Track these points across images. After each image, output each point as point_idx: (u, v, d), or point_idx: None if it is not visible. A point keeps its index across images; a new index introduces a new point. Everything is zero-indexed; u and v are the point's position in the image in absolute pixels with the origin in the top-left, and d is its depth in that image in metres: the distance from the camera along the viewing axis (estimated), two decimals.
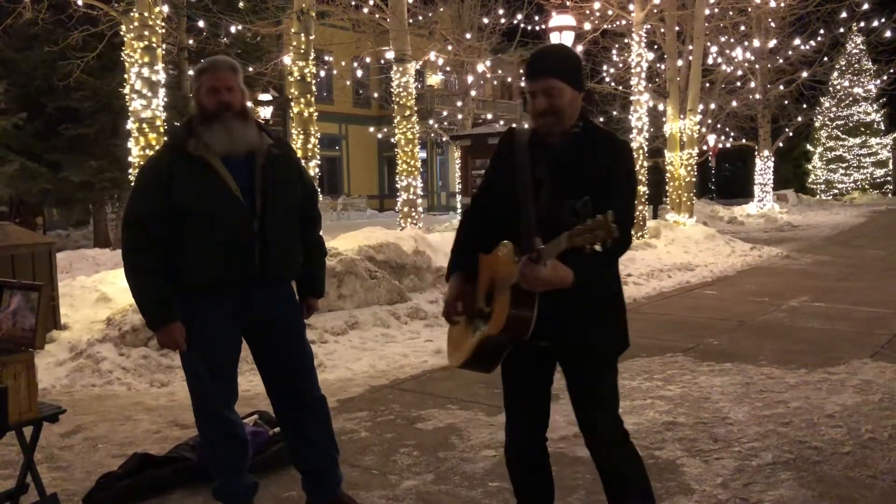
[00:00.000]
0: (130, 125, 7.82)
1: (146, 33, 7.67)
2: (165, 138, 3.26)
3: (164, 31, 8.26)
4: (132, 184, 3.07)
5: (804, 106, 27.50)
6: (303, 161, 9.75)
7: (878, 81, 31.61)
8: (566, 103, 2.46)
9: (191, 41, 16.24)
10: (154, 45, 7.75)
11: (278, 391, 3.24)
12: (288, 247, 3.11)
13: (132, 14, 7.68)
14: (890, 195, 34.05)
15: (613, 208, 2.16)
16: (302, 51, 10.05)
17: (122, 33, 7.96)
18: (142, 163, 7.63)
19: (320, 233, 3.42)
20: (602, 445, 2.59)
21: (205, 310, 3.00)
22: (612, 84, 22.31)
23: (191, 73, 17.83)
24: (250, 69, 15.77)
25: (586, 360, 2.55)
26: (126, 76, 7.82)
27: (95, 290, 7.71)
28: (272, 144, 3.08)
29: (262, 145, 3.05)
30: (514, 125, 2.74)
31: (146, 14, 7.66)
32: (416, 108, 13.54)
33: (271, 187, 3.02)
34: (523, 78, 2.56)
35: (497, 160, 2.68)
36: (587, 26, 16.80)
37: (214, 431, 3.13)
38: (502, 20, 21.78)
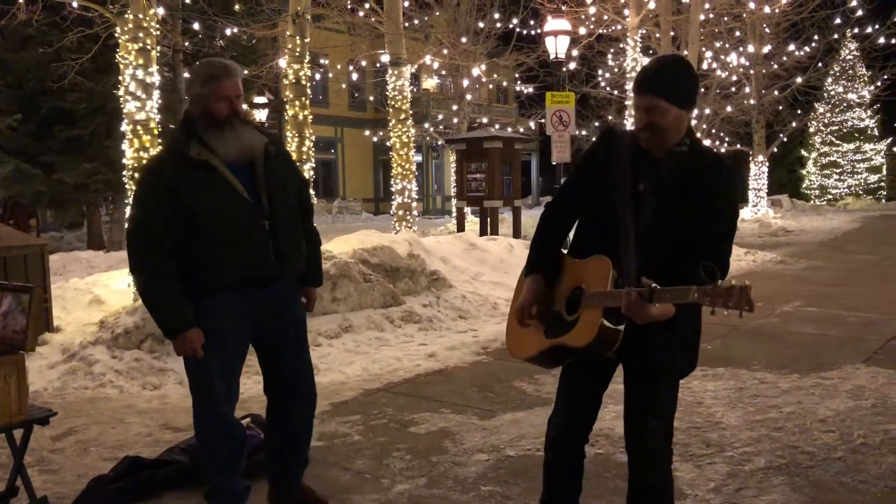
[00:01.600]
0: (124, 127, 7.80)
1: (141, 35, 7.66)
2: (165, 143, 3.24)
3: (158, 33, 8.25)
4: (133, 192, 3.07)
5: (798, 111, 27.57)
6: (298, 164, 9.76)
7: (872, 87, 31.73)
8: (669, 122, 2.40)
9: (186, 43, 16.24)
10: (149, 47, 7.73)
11: (273, 380, 3.28)
12: (297, 241, 3.18)
13: (127, 16, 7.67)
14: (884, 201, 34.17)
15: (717, 236, 2.34)
16: (297, 54, 10.05)
17: (116, 35, 7.95)
18: (136, 165, 7.65)
19: (314, 223, 3.45)
20: (647, 457, 2.55)
21: (219, 312, 3.00)
22: (608, 89, 22.35)
23: (186, 75, 17.82)
24: (245, 72, 15.76)
25: (657, 373, 2.54)
26: (120, 78, 7.80)
27: (88, 292, 7.69)
28: (268, 143, 3.11)
29: (258, 145, 3.08)
30: (614, 126, 2.68)
31: (141, 16, 7.65)
32: (411, 112, 13.56)
33: (275, 185, 3.06)
34: (633, 89, 2.48)
35: (592, 161, 2.62)
36: (582, 31, 16.86)
37: (216, 432, 3.13)
38: (498, 24, 21.82)
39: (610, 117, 25.62)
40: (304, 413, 3.36)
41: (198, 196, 2.92)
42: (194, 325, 2.94)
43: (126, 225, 3.21)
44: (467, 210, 15.86)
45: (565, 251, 2.69)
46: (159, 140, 7.89)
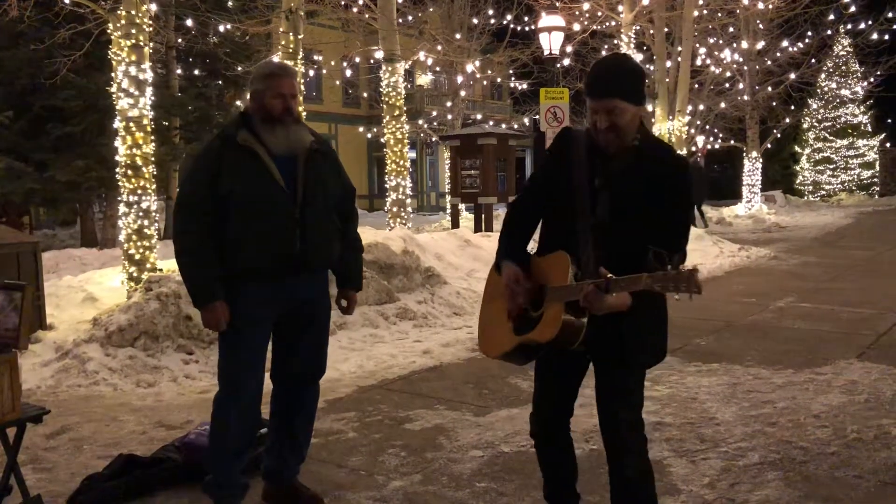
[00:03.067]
0: (117, 124, 7.77)
1: (133, 31, 7.62)
2: (218, 131, 3.40)
3: (151, 29, 8.21)
4: (185, 170, 3.24)
5: (792, 107, 27.62)
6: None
7: (865, 83, 31.80)
8: (628, 121, 2.49)
9: (179, 40, 16.17)
10: (141, 43, 7.70)
11: (287, 373, 3.35)
12: (327, 236, 3.27)
13: (119, 12, 7.63)
14: (877, 196, 34.25)
15: (671, 226, 2.40)
16: (290, 50, 10.02)
17: (109, 31, 7.91)
18: (128, 162, 7.63)
19: (357, 229, 3.58)
20: (621, 447, 2.63)
21: (247, 297, 3.13)
22: None
23: (179, 72, 17.76)
24: (239, 68, 15.71)
25: (622, 367, 2.61)
26: (113, 75, 7.76)
27: (82, 290, 7.67)
28: (314, 141, 3.26)
29: (304, 143, 3.23)
30: (569, 126, 2.77)
31: (133, 12, 7.61)
32: (405, 108, 13.53)
33: (312, 180, 3.19)
34: (586, 94, 2.54)
35: (552, 160, 2.73)
36: (576, 27, 16.84)
37: (236, 421, 3.19)
38: (492, 20, 21.80)
39: None
40: (307, 412, 3.43)
41: (236, 177, 3.09)
42: (221, 298, 3.08)
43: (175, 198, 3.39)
44: (462, 207, 15.85)
45: (533, 250, 2.76)
46: (152, 138, 7.85)
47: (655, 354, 2.67)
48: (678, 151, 2.75)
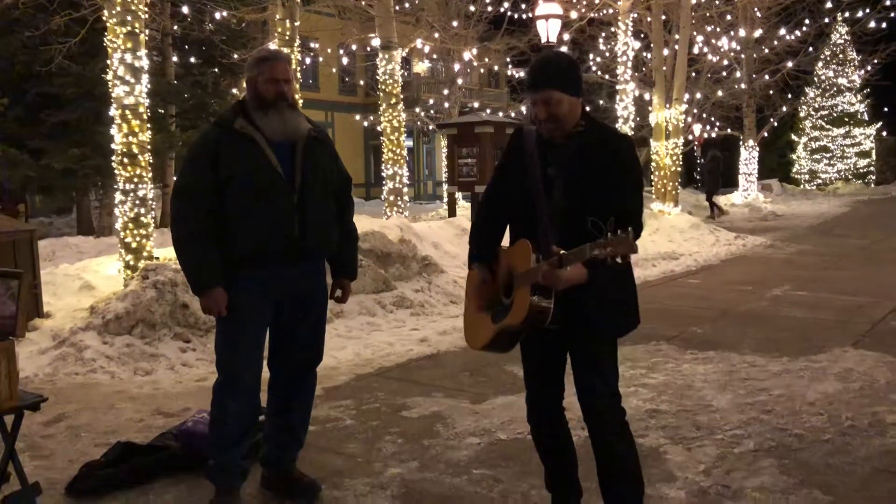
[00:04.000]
0: (113, 112, 7.73)
1: (129, 18, 7.58)
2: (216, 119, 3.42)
3: (147, 16, 8.16)
4: (183, 157, 3.34)
5: (789, 96, 27.60)
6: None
7: (862, 72, 31.78)
8: (565, 111, 2.65)
9: (175, 27, 16.10)
10: (137, 30, 7.65)
11: (284, 359, 3.37)
12: (325, 222, 3.28)
13: None
14: (873, 185, 34.29)
15: (621, 202, 2.54)
16: (287, 37, 9.99)
17: (104, 18, 7.86)
18: (125, 150, 7.60)
19: (353, 219, 3.58)
20: (600, 421, 2.75)
21: (245, 283, 3.14)
22: (599, 73, 22.33)
23: (175, 59, 17.68)
24: (235, 56, 15.64)
25: (590, 341, 2.73)
26: (109, 62, 7.72)
27: (79, 278, 7.66)
28: (311, 129, 3.27)
29: (302, 130, 3.24)
30: (522, 126, 2.92)
31: None
32: (402, 96, 13.50)
33: (310, 167, 3.20)
34: (526, 90, 2.74)
35: (507, 158, 2.91)
36: (574, 15, 16.79)
37: (235, 407, 3.21)
38: (489, 8, 21.70)
39: (601, 101, 25.60)
40: (305, 399, 3.45)
41: (235, 164, 3.10)
42: (220, 284, 3.10)
43: (172, 186, 3.38)
44: (458, 195, 15.83)
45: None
46: (148, 126, 7.82)
47: (624, 325, 2.79)
48: (621, 131, 2.92)
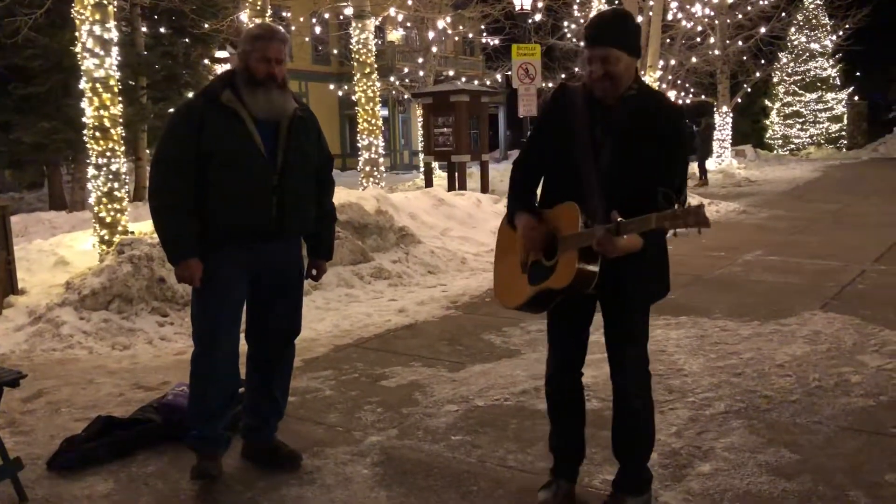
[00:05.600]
0: (84, 85, 7.62)
1: None
2: (202, 88, 3.40)
3: None
4: (165, 126, 3.27)
5: (762, 62, 27.73)
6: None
7: (835, 37, 31.96)
8: (622, 70, 2.59)
9: None
10: (105, 1, 7.53)
11: (261, 333, 3.39)
12: (303, 203, 3.28)
13: None
14: (844, 150, 34.67)
15: (672, 172, 2.52)
16: (258, 7, 9.87)
17: None
18: (96, 123, 7.51)
19: (332, 199, 3.57)
20: (627, 378, 2.81)
21: (224, 260, 3.16)
22: (574, 40, 22.25)
23: (144, 30, 17.35)
24: (206, 25, 15.41)
25: (628, 305, 2.76)
26: (77, 34, 7.60)
27: (53, 253, 7.60)
28: (297, 108, 3.26)
29: (288, 109, 3.22)
30: (565, 83, 2.85)
31: None
32: (376, 66, 13.40)
33: (293, 147, 3.20)
34: (584, 43, 2.66)
35: (549, 116, 2.83)
36: None
37: (211, 378, 3.25)
38: None
39: (577, 69, 25.53)
40: (284, 370, 3.49)
41: (218, 138, 3.08)
42: (196, 255, 3.11)
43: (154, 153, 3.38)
44: (435, 165, 15.82)
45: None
46: (119, 98, 7.73)
47: (657, 292, 2.84)
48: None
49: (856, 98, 36.64)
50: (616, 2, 18.82)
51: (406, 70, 26.49)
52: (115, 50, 7.65)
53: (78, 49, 7.58)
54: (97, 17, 7.46)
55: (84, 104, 7.65)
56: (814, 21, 34.55)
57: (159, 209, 3.15)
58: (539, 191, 2.89)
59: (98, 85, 7.51)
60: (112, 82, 7.59)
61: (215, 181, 3.10)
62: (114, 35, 7.66)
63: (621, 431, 2.89)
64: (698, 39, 24.74)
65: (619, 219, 2.41)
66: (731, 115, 26.88)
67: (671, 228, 2.32)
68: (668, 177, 2.56)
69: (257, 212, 3.13)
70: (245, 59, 3.18)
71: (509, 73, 17.24)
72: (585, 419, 3.05)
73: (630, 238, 2.47)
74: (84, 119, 7.67)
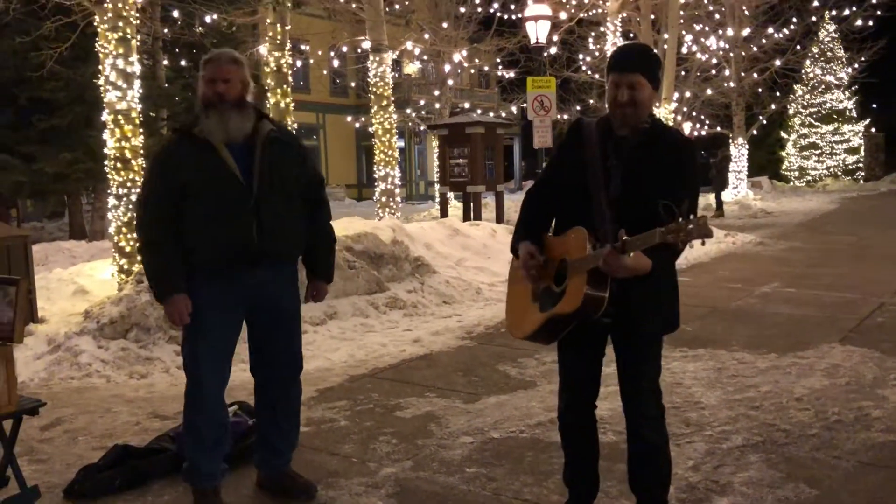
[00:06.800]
0: (105, 117, 7.75)
1: (120, 24, 7.60)
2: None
3: (138, 21, 8.19)
4: (146, 165, 3.31)
5: (778, 94, 27.76)
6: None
7: (850, 69, 31.98)
8: (646, 98, 2.68)
9: (165, 30, 16.09)
10: (129, 36, 7.68)
11: (263, 367, 3.38)
12: (286, 225, 3.24)
13: (106, 5, 7.61)
14: (861, 182, 34.48)
15: (683, 194, 2.52)
16: (278, 41, 10.03)
17: (95, 24, 7.88)
18: (117, 154, 7.63)
19: (330, 220, 3.55)
20: (641, 415, 2.81)
21: (211, 290, 3.14)
22: (589, 72, 22.40)
23: (165, 63, 17.64)
24: None
25: (641, 336, 2.76)
26: (100, 67, 7.75)
27: (72, 282, 7.69)
28: (272, 130, 3.25)
29: (261, 131, 3.22)
30: (581, 117, 2.92)
31: (120, 5, 7.59)
32: (393, 98, 13.54)
33: (268, 169, 3.18)
34: (607, 70, 2.74)
35: (565, 149, 2.89)
36: (563, 15, 16.87)
37: (201, 412, 3.24)
38: (479, 9, 21.77)
39: (591, 101, 25.67)
40: (292, 399, 3.46)
41: (192, 170, 3.10)
42: (183, 293, 3.10)
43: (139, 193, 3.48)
44: (450, 195, 15.89)
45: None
46: (141, 130, 7.85)
47: (669, 324, 2.82)
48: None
49: (872, 130, 36.52)
50: (631, 34, 18.97)
51: (422, 102, 26.75)
52: (137, 83, 7.79)
53: (101, 82, 7.72)
54: (120, 50, 7.61)
55: (106, 135, 7.78)
56: (829, 54, 34.59)
57: (146, 247, 3.19)
58: (552, 224, 2.92)
59: (120, 117, 7.64)
60: (133, 114, 7.72)
61: (192, 212, 3.10)
62: (136, 68, 7.81)
63: (637, 465, 2.88)
64: (713, 71, 24.84)
65: (625, 237, 2.43)
66: (746, 146, 26.85)
67: (675, 241, 2.32)
68: (678, 200, 2.56)
69: (237, 235, 3.11)
70: (199, 86, 3.22)
71: (524, 105, 17.37)
72: (599, 453, 3.03)
73: (637, 257, 2.46)
74: (105, 150, 7.79)
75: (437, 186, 18.67)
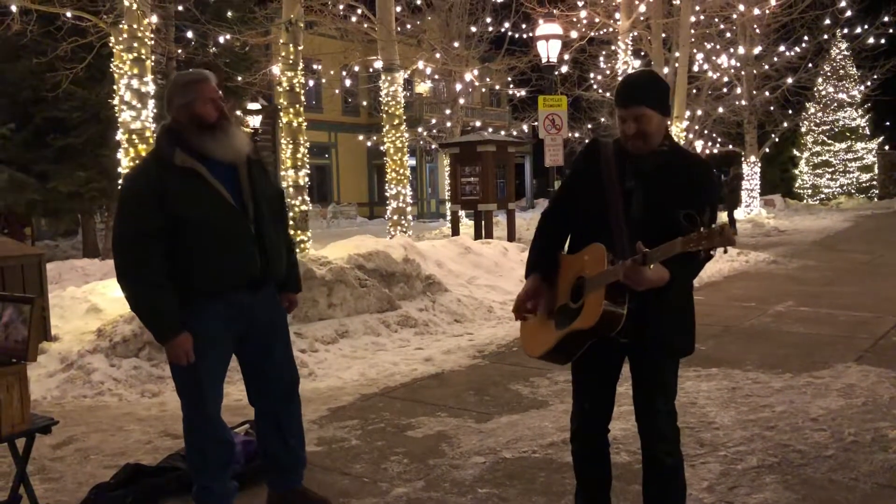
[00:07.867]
0: (120, 136, 7.83)
1: (135, 45, 7.70)
2: (149, 152, 3.34)
3: (153, 42, 8.28)
4: (118, 200, 3.14)
5: (790, 111, 27.74)
6: (293, 170, 9.81)
7: (863, 87, 31.94)
8: (654, 128, 2.66)
9: (179, 51, 16.26)
10: (143, 56, 7.77)
11: (263, 387, 3.34)
12: (280, 247, 3.25)
13: (121, 26, 7.71)
14: (875, 199, 34.32)
15: (708, 211, 2.50)
16: (291, 61, 10.10)
17: (110, 45, 7.98)
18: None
19: (289, 231, 3.53)
20: (658, 438, 2.78)
21: (207, 316, 3.06)
22: (600, 91, 22.45)
23: None
24: (239, 78, 15.79)
25: (659, 357, 2.74)
26: (115, 87, 7.84)
27: (86, 300, 7.71)
28: (250, 149, 3.22)
29: (248, 148, 3.18)
30: (597, 137, 2.92)
31: (135, 26, 7.69)
32: (404, 117, 13.61)
33: (256, 190, 3.14)
34: (616, 104, 2.73)
35: (581, 169, 2.87)
36: (574, 34, 16.94)
37: (208, 435, 3.19)
38: (490, 28, 21.90)
39: (602, 119, 25.72)
40: (294, 415, 3.44)
41: (186, 203, 2.97)
42: (184, 331, 2.99)
43: (112, 233, 3.24)
44: (462, 213, 15.91)
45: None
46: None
47: (685, 347, 2.80)
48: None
49: (886, 148, 36.39)
50: (642, 53, 19.02)
51: (434, 121, 26.87)
52: (151, 102, 7.87)
53: (116, 101, 7.81)
54: (135, 71, 7.70)
55: (120, 154, 7.85)
56: (841, 72, 34.57)
57: (132, 293, 3.02)
58: (567, 244, 2.90)
59: (134, 136, 7.71)
60: (148, 133, 7.80)
61: (194, 245, 2.98)
62: (150, 88, 7.89)
63: (651, 487, 2.85)
64: (725, 90, 24.85)
65: (646, 249, 2.40)
66: (759, 164, 26.80)
67: (697, 249, 2.30)
68: (700, 208, 2.57)
69: (245, 264, 3.06)
70: (189, 109, 3.03)
71: (535, 123, 17.41)
72: (611, 477, 3.00)
73: (657, 269, 2.44)
74: (119, 169, 7.86)
75: (448, 205, 18.70)
